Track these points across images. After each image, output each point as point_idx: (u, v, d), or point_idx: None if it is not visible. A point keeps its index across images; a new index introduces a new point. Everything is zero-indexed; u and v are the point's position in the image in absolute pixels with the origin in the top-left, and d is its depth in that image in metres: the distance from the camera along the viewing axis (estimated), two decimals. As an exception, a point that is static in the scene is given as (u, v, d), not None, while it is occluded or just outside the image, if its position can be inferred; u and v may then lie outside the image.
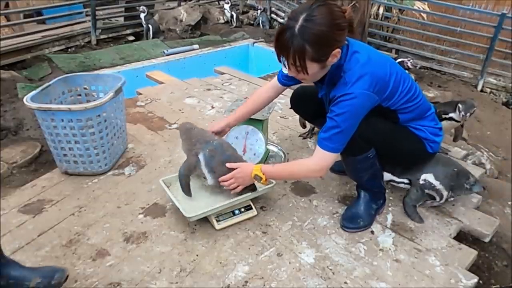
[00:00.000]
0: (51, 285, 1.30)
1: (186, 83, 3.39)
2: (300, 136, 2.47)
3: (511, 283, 1.67)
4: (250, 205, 1.74)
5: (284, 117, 2.73)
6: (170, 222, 1.72)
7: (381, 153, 1.65)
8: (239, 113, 1.89)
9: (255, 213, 1.74)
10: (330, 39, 1.33)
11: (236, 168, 1.63)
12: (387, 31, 5.69)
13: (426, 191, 1.73)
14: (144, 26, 6.31)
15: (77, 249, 1.57)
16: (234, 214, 1.70)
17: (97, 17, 5.89)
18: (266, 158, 2.16)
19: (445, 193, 1.72)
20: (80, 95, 2.23)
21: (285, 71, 1.72)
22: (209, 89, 3.26)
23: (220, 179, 1.64)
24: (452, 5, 5.17)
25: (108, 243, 1.61)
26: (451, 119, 2.07)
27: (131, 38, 6.47)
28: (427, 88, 4.35)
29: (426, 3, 5.32)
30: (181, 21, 6.68)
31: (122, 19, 6.63)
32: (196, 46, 5.42)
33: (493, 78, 4.81)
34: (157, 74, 3.72)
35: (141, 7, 6.25)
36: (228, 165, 1.64)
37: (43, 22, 5.86)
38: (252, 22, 7.33)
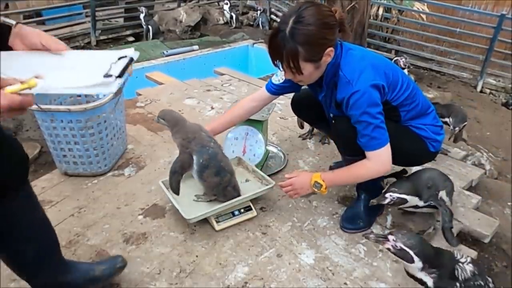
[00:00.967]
0: (116, 269, 1.36)
1: (185, 84, 3.39)
2: (299, 137, 2.47)
3: (511, 284, 1.67)
4: (249, 206, 1.74)
5: (283, 118, 2.73)
6: (169, 223, 1.72)
7: None
8: (220, 121, 1.86)
9: (255, 214, 1.74)
10: (320, 38, 1.35)
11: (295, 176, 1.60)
12: (387, 32, 5.70)
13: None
14: (144, 27, 6.31)
15: (77, 250, 1.57)
16: (233, 215, 1.70)
17: (96, 18, 5.90)
18: (266, 159, 2.16)
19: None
20: (79, 96, 2.23)
21: (275, 81, 1.74)
22: (208, 90, 3.26)
23: (279, 185, 1.63)
24: (451, 6, 5.18)
25: (107, 244, 1.60)
26: (446, 123, 2.08)
27: (131, 39, 6.48)
28: (427, 89, 4.35)
29: (425, 4, 5.33)
30: (180, 22, 6.69)
31: (122, 20, 6.64)
32: (195, 47, 5.42)
33: (493, 78, 4.82)
34: (156, 75, 3.72)
35: (141, 7, 6.25)
36: (287, 175, 1.62)
37: (42, 23, 5.87)
38: (251, 23, 7.34)
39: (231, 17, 7.03)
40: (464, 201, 1.90)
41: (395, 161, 1.75)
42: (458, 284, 1.10)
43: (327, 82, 1.51)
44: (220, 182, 1.64)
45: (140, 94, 3.16)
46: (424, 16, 5.36)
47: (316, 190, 1.54)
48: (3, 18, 0.89)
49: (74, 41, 5.74)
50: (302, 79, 1.46)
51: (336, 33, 1.40)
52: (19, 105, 0.74)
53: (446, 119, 2.07)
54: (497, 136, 3.55)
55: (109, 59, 0.97)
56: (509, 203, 2.10)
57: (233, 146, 2.07)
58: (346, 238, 1.65)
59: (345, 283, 1.44)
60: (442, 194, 1.60)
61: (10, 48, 0.97)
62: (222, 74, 3.69)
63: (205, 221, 1.68)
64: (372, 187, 1.73)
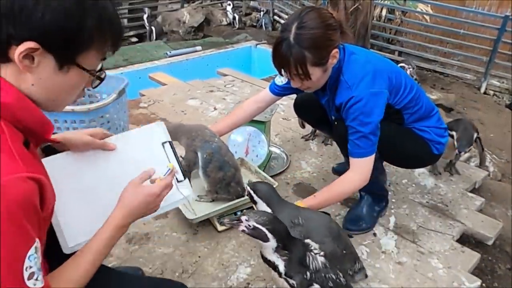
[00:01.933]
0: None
1: (188, 85, 3.39)
2: (302, 138, 2.47)
3: (514, 287, 1.66)
4: (252, 206, 1.74)
5: (286, 119, 2.73)
6: (172, 224, 1.72)
7: (385, 155, 1.64)
8: (223, 124, 1.85)
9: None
10: (325, 39, 1.35)
11: None
12: (390, 33, 5.69)
13: None
14: (147, 27, 6.34)
15: (80, 250, 1.57)
16: (236, 216, 1.70)
17: (100, 19, 5.92)
18: (269, 160, 2.16)
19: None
20: (83, 96, 2.24)
21: (279, 82, 1.73)
22: (211, 91, 3.27)
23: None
24: (455, 7, 5.17)
25: (110, 244, 1.61)
26: (452, 137, 1.91)
27: (134, 39, 6.51)
28: (430, 90, 4.34)
29: (429, 5, 5.32)
30: (184, 22, 6.71)
31: (125, 20, 6.67)
32: (199, 47, 5.43)
33: (496, 80, 4.80)
34: (160, 76, 3.74)
35: (144, 8, 6.28)
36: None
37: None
38: (255, 24, 7.35)
39: (234, 18, 7.04)
40: (467, 203, 1.89)
41: (398, 163, 1.76)
42: (308, 273, 1.07)
43: (330, 86, 1.51)
44: (223, 177, 1.64)
45: (143, 95, 3.17)
46: (427, 17, 5.35)
47: None
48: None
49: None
50: (310, 85, 1.44)
51: (338, 34, 1.40)
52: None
53: (454, 134, 1.89)
54: (501, 138, 3.54)
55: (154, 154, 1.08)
56: (513, 205, 2.09)
57: (235, 147, 2.07)
58: (349, 240, 1.65)
59: (348, 285, 1.44)
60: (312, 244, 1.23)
61: None
62: (225, 75, 3.70)
63: (207, 221, 1.69)
64: (375, 189, 1.72)
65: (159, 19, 6.73)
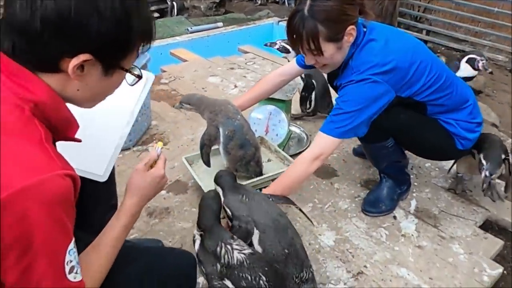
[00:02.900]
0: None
1: (209, 62, 3.37)
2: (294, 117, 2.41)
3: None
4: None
5: (307, 98, 2.68)
6: (192, 199, 1.74)
7: (403, 145, 1.59)
8: (246, 97, 1.82)
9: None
10: (341, 13, 1.29)
11: None
12: (418, 11, 5.45)
13: None
14: (169, 3, 6.28)
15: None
16: None
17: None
18: (288, 139, 2.14)
19: None
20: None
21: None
22: (232, 68, 3.24)
23: None
24: (489, -16, 4.89)
25: (131, 217, 1.65)
26: (474, 156, 1.61)
27: (156, 14, 6.45)
28: (458, 72, 4.18)
29: (461, -19, 5.05)
30: (205, -2, 6.60)
31: (147, -5, 6.61)
32: (220, 24, 5.36)
33: (530, 62, 4.56)
34: (181, 52, 3.72)
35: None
36: None
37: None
38: (277, 0, 7.17)
39: (257, -7, 6.87)
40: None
41: (418, 153, 1.70)
42: (219, 266, 1.01)
43: (341, 69, 1.45)
44: (243, 156, 1.64)
45: (164, 71, 3.18)
46: (459, -6, 5.09)
47: None
48: None
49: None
50: (325, 62, 1.39)
51: (356, 9, 1.33)
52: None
53: (479, 157, 1.54)
54: (532, 123, 3.39)
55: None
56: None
57: (256, 125, 2.05)
58: (368, 222, 1.63)
59: (365, 266, 1.43)
60: None
61: None
62: (246, 52, 3.65)
63: (226, 198, 1.70)
64: (396, 173, 1.69)
65: (180, -6, 6.64)
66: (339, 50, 1.36)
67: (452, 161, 1.80)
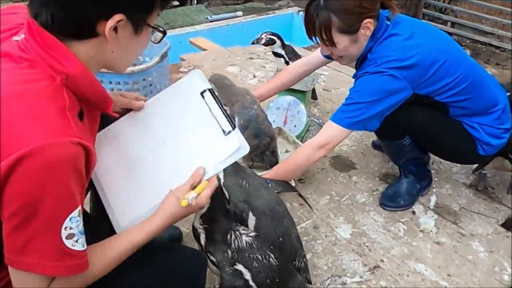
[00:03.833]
0: (174, 239, 1.45)
1: (228, 51, 3.36)
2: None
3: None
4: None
5: (327, 90, 2.66)
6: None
7: (422, 145, 1.55)
8: (269, 86, 1.80)
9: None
10: (356, 6, 1.26)
11: None
12: (444, 2, 5.29)
13: None
14: (189, -9, 6.26)
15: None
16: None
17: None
18: (307, 130, 2.13)
19: None
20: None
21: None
22: (251, 58, 3.22)
23: None
24: (520, -26, 4.69)
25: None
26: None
27: (175, 3, 6.43)
28: (484, 66, 4.05)
29: (490, -29, 4.87)
30: (225, -14, 6.56)
31: (167, -17, 6.62)
32: (239, 13, 5.33)
33: (560, 57, 4.39)
34: (200, 41, 3.71)
35: (186, -29, 6.18)
36: None
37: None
38: (297, -10, 7.07)
39: (277, -18, 6.79)
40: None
41: (437, 154, 1.65)
42: (230, 252, 1.01)
43: (359, 62, 1.42)
44: (258, 145, 1.63)
45: (183, 59, 3.18)
46: (487, -15, 4.91)
47: None
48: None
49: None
50: (340, 54, 1.36)
51: (376, 3, 1.30)
52: (215, 187, 0.92)
53: None
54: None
55: (194, 102, 0.95)
56: None
57: (274, 115, 2.04)
58: (386, 216, 1.62)
59: (382, 260, 1.42)
60: None
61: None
62: (266, 42, 3.62)
63: (243, 188, 1.70)
64: (417, 168, 1.65)
65: (200, -18, 6.62)
66: (354, 43, 1.33)
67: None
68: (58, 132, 0.67)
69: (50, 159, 0.64)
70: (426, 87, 1.35)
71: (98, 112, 0.86)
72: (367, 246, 1.48)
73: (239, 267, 1.01)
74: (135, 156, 0.94)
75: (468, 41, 4.97)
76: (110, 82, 1.90)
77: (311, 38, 1.36)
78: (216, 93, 0.96)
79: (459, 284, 1.34)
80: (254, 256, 1.02)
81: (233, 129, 0.91)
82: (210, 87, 0.94)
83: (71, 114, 0.71)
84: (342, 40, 1.31)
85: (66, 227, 0.68)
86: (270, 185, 1.29)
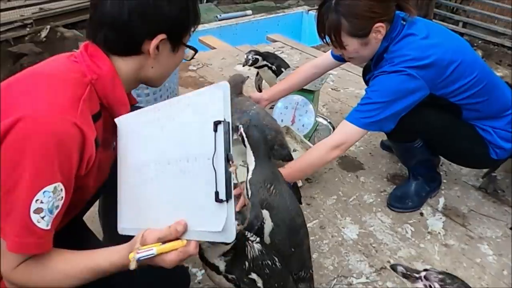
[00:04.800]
0: None
1: (237, 50, 3.36)
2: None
3: None
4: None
5: (335, 90, 2.65)
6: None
7: (433, 148, 1.54)
8: (278, 88, 1.79)
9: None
10: (366, 10, 1.25)
11: None
12: (455, 2, 5.24)
13: None
14: (199, -11, 6.28)
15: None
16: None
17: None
18: (315, 130, 2.12)
19: None
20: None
21: None
22: (260, 57, 3.22)
23: None
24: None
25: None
26: None
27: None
28: (496, 67, 4.00)
29: (504, -29, 4.80)
30: (235, -15, 6.57)
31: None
32: (249, 12, 5.34)
33: None
34: (209, 39, 3.72)
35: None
36: None
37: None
38: (307, -12, 7.05)
39: (287, -19, 6.77)
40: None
41: (449, 158, 1.64)
42: (247, 263, 1.00)
43: (374, 63, 1.41)
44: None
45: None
46: (500, -15, 4.84)
47: None
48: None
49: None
50: (351, 56, 1.36)
51: (389, 7, 1.29)
52: (188, 256, 0.75)
53: None
54: None
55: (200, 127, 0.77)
56: None
57: (282, 115, 2.04)
58: (393, 217, 1.61)
59: (388, 261, 1.41)
60: None
61: None
62: (275, 41, 3.62)
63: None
64: (426, 170, 1.64)
65: (210, -19, 6.64)
66: (364, 45, 1.32)
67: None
68: (60, 109, 0.72)
69: (39, 128, 0.68)
70: (442, 88, 1.34)
71: (114, 129, 0.91)
72: (374, 247, 1.47)
73: (253, 276, 1.01)
74: (144, 161, 0.86)
75: (480, 42, 4.91)
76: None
77: (322, 39, 1.35)
78: (231, 132, 0.75)
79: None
80: (265, 262, 1.02)
81: (227, 200, 0.71)
82: (228, 117, 0.75)
83: (84, 105, 0.77)
84: (351, 43, 1.30)
85: (37, 200, 0.69)
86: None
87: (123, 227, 0.89)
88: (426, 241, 1.50)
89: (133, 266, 0.71)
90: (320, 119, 2.23)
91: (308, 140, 1.93)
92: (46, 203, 0.70)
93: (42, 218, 0.70)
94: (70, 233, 0.87)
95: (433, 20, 3.77)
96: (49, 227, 0.71)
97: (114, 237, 0.87)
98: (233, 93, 1.66)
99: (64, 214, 0.76)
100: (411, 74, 1.27)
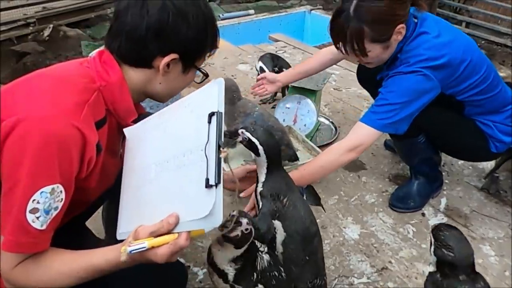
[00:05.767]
0: None
1: (240, 49, 3.36)
2: (260, 101, 2.38)
3: None
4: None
5: (337, 89, 2.65)
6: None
7: (435, 142, 1.54)
8: (294, 71, 1.78)
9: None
10: (390, 14, 1.23)
11: None
12: (459, 2, 5.22)
13: None
14: (201, -11, 6.28)
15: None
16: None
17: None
18: (316, 130, 2.12)
19: None
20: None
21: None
22: (262, 56, 3.22)
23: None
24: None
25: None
26: None
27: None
28: (499, 67, 3.99)
29: (507, -30, 4.78)
30: (237, -16, 6.56)
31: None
32: (251, 11, 5.34)
33: None
34: (211, 39, 3.72)
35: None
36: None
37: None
38: (310, -12, 7.03)
39: (289, -19, 6.76)
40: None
41: (448, 152, 1.64)
42: (255, 275, 0.99)
43: (387, 63, 1.39)
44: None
45: (195, 57, 3.20)
46: (504, -15, 4.82)
47: None
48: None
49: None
50: (370, 61, 1.33)
51: (407, 7, 1.27)
52: (179, 248, 0.73)
53: None
54: None
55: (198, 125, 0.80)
56: None
57: (284, 114, 2.04)
58: (395, 217, 1.60)
59: (390, 262, 1.41)
60: None
61: None
62: (277, 41, 3.62)
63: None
64: (428, 169, 1.64)
65: (213, -20, 6.63)
66: (386, 49, 1.30)
67: (494, 165, 1.73)
68: (63, 112, 0.73)
69: (40, 129, 0.69)
70: (452, 87, 1.35)
71: (119, 136, 0.93)
72: (375, 247, 1.47)
73: (260, 287, 1.00)
74: (146, 164, 0.88)
75: (483, 42, 4.89)
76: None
77: (339, 48, 1.32)
78: (222, 122, 0.79)
79: (468, 287, 1.33)
80: (273, 273, 1.02)
81: (216, 185, 0.72)
82: (221, 109, 0.80)
83: (89, 110, 0.78)
84: (374, 49, 1.27)
85: (34, 200, 0.69)
86: (304, 197, 1.23)
87: (121, 232, 0.87)
88: (427, 242, 1.49)
89: (123, 257, 0.71)
90: (322, 119, 2.23)
91: (310, 140, 1.93)
92: (43, 204, 0.70)
93: (37, 218, 0.70)
94: (69, 233, 0.87)
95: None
96: (44, 228, 0.71)
97: (114, 239, 0.86)
98: (233, 99, 1.68)
99: (64, 215, 0.76)
100: (427, 74, 1.27)
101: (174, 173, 0.80)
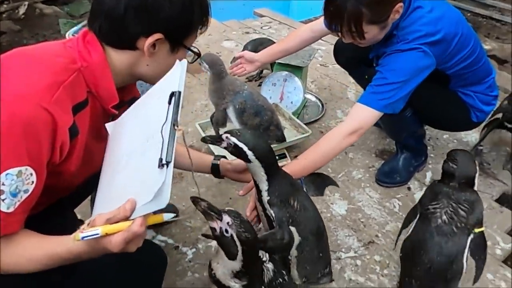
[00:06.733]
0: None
1: (224, 25, 3.29)
2: (246, 79, 2.35)
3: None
4: (284, 153, 1.73)
5: (324, 65, 2.62)
6: (205, 165, 1.75)
7: (421, 115, 1.55)
8: (273, 50, 1.73)
9: (289, 161, 1.73)
10: None
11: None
12: (445, -27, 5.16)
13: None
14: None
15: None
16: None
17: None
18: (303, 107, 2.11)
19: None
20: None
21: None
22: (247, 32, 3.15)
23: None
24: None
25: (146, 181, 1.67)
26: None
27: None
28: (484, 39, 3.99)
29: None
30: (220, -43, 6.36)
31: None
32: (235, -15, 5.18)
33: (562, 30, 4.32)
34: (195, 15, 3.63)
35: None
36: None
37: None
38: (295, -39, 6.85)
39: (274, -47, 6.57)
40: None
41: (430, 123, 1.66)
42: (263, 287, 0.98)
43: (382, 40, 1.36)
44: (261, 123, 1.62)
45: (178, 34, 3.11)
46: (490, -45, 4.77)
47: None
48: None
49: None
50: (364, 42, 1.30)
51: None
52: (133, 234, 0.68)
53: None
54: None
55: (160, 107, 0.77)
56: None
57: (270, 92, 2.02)
58: (381, 192, 1.62)
59: (376, 235, 1.44)
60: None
61: None
62: (262, 16, 3.54)
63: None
64: (413, 143, 1.65)
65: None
66: (382, 29, 1.27)
67: (479, 138, 1.77)
68: (34, 93, 0.71)
69: (5, 110, 0.67)
70: (445, 62, 1.34)
71: (106, 119, 0.90)
72: (362, 222, 1.49)
73: None
74: (120, 155, 0.85)
75: (469, 14, 4.87)
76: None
77: (332, 29, 1.27)
78: (180, 102, 0.76)
79: (452, 258, 1.36)
80: (278, 281, 1.01)
81: (167, 164, 0.69)
82: (181, 89, 0.77)
83: (64, 92, 0.74)
84: (371, 30, 1.24)
85: None
86: (304, 188, 1.22)
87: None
88: (413, 215, 1.52)
89: (76, 244, 0.69)
90: (308, 96, 2.22)
91: (297, 117, 1.93)
92: (8, 186, 0.67)
93: (3, 200, 0.68)
94: (54, 218, 0.85)
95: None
96: (11, 210, 0.69)
97: None
98: (221, 73, 1.63)
99: (45, 198, 0.74)
100: (425, 51, 1.25)
101: (139, 160, 0.78)
